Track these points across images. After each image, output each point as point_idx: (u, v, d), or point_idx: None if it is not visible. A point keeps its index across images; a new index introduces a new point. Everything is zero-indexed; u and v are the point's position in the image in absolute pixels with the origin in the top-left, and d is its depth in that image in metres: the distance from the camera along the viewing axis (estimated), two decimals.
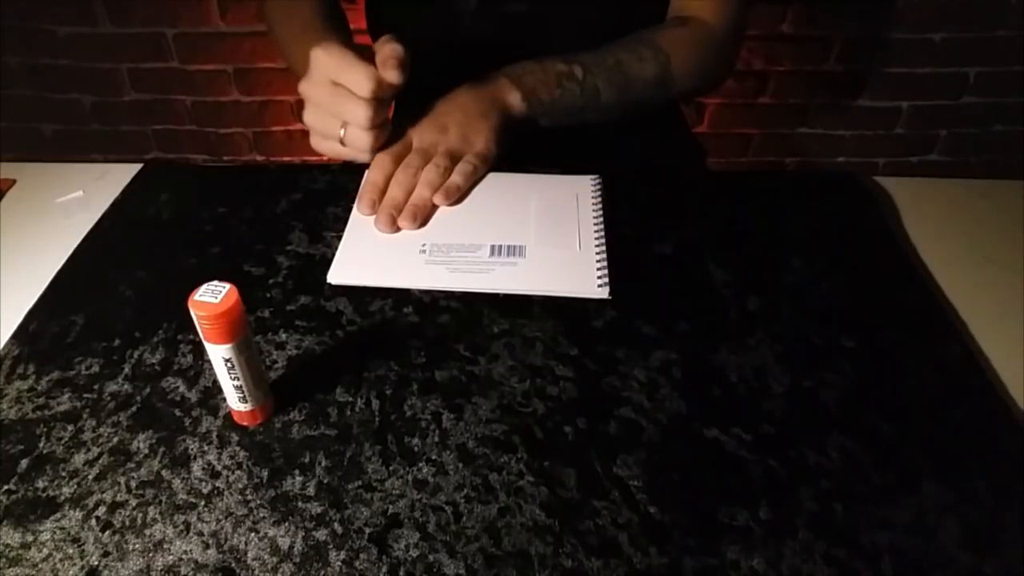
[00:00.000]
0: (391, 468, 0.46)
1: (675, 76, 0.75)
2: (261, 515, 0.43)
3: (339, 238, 0.62)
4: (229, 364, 0.44)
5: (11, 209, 0.68)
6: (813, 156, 1.70)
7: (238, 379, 0.45)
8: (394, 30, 0.85)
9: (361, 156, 0.65)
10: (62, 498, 0.44)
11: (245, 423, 0.48)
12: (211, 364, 0.52)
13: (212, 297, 0.42)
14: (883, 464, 0.46)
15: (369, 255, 0.61)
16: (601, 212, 0.64)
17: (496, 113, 0.68)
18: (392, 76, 0.60)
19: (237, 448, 0.47)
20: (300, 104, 1.57)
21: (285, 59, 0.85)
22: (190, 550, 0.42)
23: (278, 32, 0.85)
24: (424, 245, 0.61)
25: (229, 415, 0.49)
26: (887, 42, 1.52)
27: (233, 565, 0.41)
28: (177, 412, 0.49)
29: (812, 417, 0.48)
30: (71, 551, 0.42)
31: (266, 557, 0.41)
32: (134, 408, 0.49)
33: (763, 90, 1.60)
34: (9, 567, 0.41)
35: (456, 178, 0.64)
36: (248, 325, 0.44)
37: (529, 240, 0.61)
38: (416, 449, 0.47)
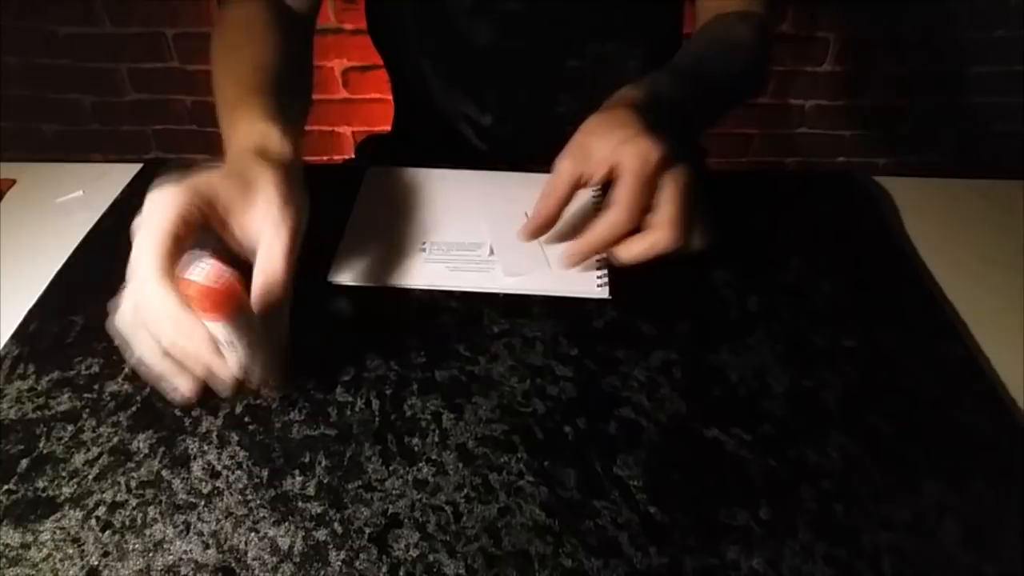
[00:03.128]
0: (391, 468, 0.46)
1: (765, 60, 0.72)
2: (261, 515, 0.43)
3: (339, 238, 0.62)
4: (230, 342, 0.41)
5: (11, 209, 0.68)
6: (813, 156, 1.70)
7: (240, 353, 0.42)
8: (392, 30, 0.85)
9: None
10: (62, 498, 0.44)
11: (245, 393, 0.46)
12: None
13: (199, 276, 0.39)
14: (883, 464, 0.46)
15: (369, 254, 0.61)
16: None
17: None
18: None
19: (237, 448, 0.47)
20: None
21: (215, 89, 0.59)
22: (190, 550, 0.42)
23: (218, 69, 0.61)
24: (424, 244, 0.61)
25: (229, 415, 0.49)
26: (887, 42, 1.52)
27: (233, 565, 0.41)
28: (177, 412, 0.49)
29: (812, 417, 0.48)
30: (71, 551, 0.42)
31: (266, 557, 0.41)
32: (134, 408, 0.49)
33: (763, 90, 1.60)
34: (9, 567, 0.41)
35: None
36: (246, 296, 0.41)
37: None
38: (416, 449, 0.47)
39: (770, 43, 0.73)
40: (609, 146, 0.50)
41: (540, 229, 0.55)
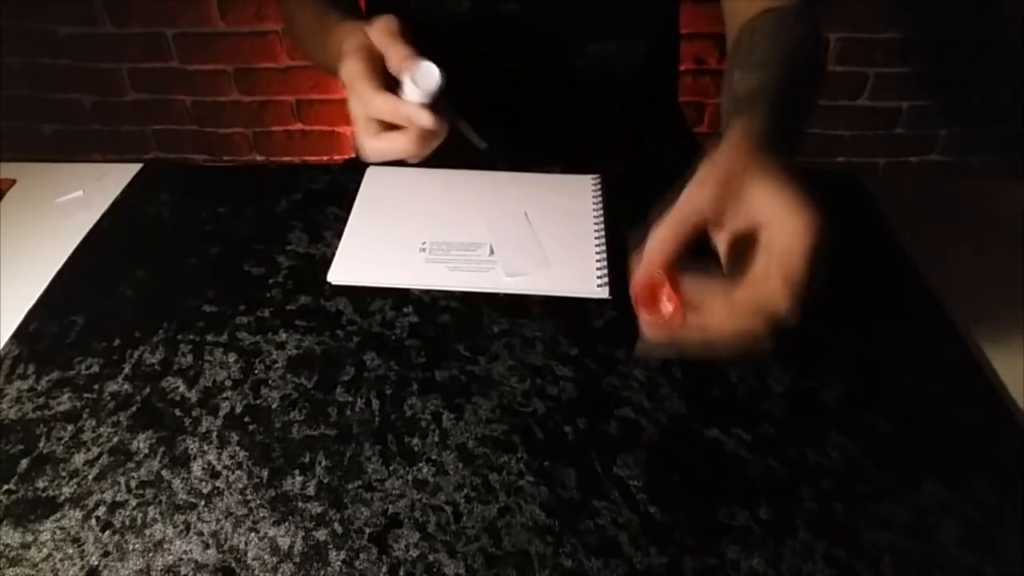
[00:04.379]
0: (391, 468, 0.46)
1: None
2: (261, 515, 0.43)
3: (339, 238, 0.62)
4: None
5: (11, 209, 0.68)
6: (813, 156, 1.70)
7: None
8: None
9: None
10: (62, 498, 0.44)
11: None
12: (211, 364, 0.52)
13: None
14: (883, 464, 0.46)
15: (369, 254, 0.61)
16: (601, 212, 0.64)
17: None
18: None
19: (237, 448, 0.47)
20: (300, 104, 1.57)
21: (307, 54, 0.79)
22: (190, 550, 0.42)
23: (297, 24, 0.79)
24: (424, 243, 0.61)
25: (229, 415, 0.49)
26: (887, 42, 1.52)
27: (233, 565, 0.41)
28: (177, 412, 0.49)
29: (812, 417, 0.48)
30: (71, 551, 0.42)
31: (266, 557, 0.41)
32: (134, 408, 0.49)
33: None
34: (9, 567, 0.41)
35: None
36: None
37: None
38: (416, 449, 0.47)
39: (820, 36, 0.64)
40: (763, 199, 0.41)
41: (648, 275, 0.42)
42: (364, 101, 0.53)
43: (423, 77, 0.51)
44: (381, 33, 0.56)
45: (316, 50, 0.70)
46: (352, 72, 0.54)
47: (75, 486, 0.45)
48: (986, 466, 0.46)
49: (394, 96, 0.53)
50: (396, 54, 0.53)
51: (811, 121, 0.59)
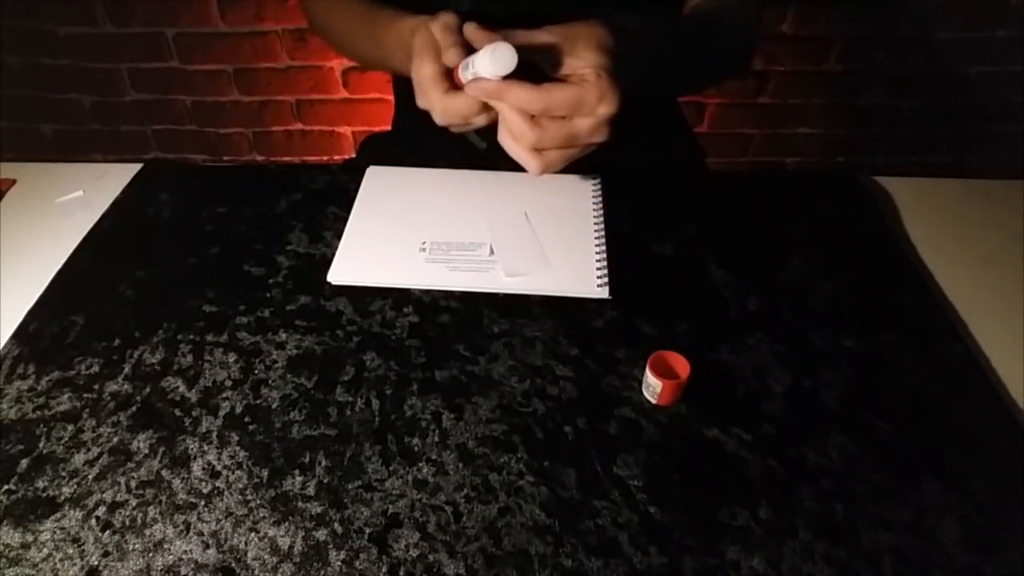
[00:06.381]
0: (391, 468, 0.46)
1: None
2: (261, 515, 0.43)
3: (339, 238, 0.62)
4: None
5: (11, 209, 0.68)
6: (813, 156, 1.70)
7: None
8: None
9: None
10: (62, 498, 0.44)
11: None
12: (211, 364, 0.52)
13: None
14: (883, 464, 0.46)
15: (369, 254, 0.61)
16: (601, 212, 0.64)
17: None
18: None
19: (237, 448, 0.47)
20: (300, 104, 1.57)
21: (345, 51, 0.79)
22: (190, 550, 0.42)
23: (333, 22, 0.78)
24: (424, 243, 0.61)
25: (229, 415, 0.49)
26: (887, 42, 1.52)
27: (233, 565, 0.41)
28: (177, 412, 0.49)
29: (812, 417, 0.48)
30: (71, 551, 0.42)
31: (266, 557, 0.41)
32: (134, 408, 0.49)
33: (763, 90, 1.60)
34: (9, 567, 0.41)
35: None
36: None
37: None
38: (416, 449, 0.47)
39: (756, 31, 0.77)
40: (590, 65, 0.55)
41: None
42: (442, 105, 0.58)
43: (502, 57, 0.54)
44: (449, 26, 0.58)
45: (363, 47, 0.71)
46: (424, 75, 0.57)
47: (75, 486, 0.45)
48: (986, 466, 0.46)
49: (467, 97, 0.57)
50: (482, 36, 0.58)
51: (686, 75, 0.73)
